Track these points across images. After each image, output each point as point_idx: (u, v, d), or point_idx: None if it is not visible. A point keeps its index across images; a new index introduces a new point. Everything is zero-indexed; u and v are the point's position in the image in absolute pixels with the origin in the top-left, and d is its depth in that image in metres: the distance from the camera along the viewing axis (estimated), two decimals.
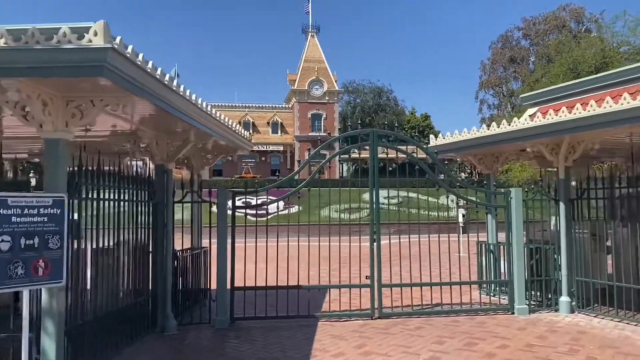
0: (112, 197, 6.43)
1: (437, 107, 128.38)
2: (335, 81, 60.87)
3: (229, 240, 8.19)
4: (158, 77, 5.37)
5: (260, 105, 62.38)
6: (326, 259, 8.57)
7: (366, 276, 8.62)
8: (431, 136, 11.60)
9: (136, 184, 7.08)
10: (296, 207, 30.02)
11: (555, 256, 9.21)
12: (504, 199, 9.32)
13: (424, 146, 9.75)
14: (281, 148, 60.11)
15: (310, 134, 58.10)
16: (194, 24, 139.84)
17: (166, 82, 5.57)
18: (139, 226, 7.28)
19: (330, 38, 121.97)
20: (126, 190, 6.80)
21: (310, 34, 61.88)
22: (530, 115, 9.69)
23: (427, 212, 20.90)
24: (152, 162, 7.77)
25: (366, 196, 35.74)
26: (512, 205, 9.13)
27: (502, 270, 9.74)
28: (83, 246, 5.78)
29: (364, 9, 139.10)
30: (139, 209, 7.26)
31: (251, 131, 59.61)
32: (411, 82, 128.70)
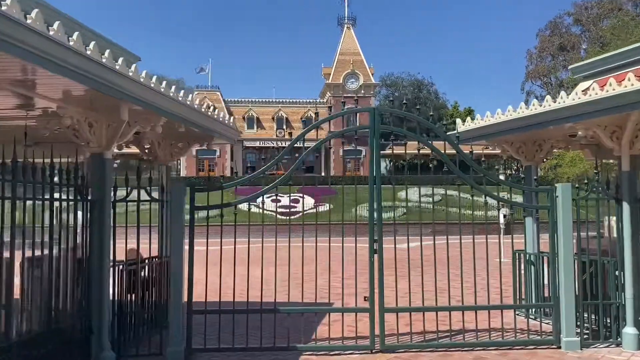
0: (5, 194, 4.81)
1: (480, 100, 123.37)
2: (372, 74, 58.43)
3: (186, 243, 6.48)
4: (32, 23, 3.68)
5: (294, 101, 60.56)
6: (326, 266, 6.77)
7: (365, 297, 6.73)
8: (457, 121, 9.51)
9: (52, 177, 5.44)
10: (328, 205, 28.23)
11: (617, 272, 7.07)
12: (547, 198, 7.22)
13: (443, 130, 7.68)
14: (314, 144, 58.30)
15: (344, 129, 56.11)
16: (230, 19, 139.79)
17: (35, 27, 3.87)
18: (63, 232, 5.66)
19: (368, 30, 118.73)
20: (32, 186, 5.16)
21: (346, 25, 59.71)
22: (583, 90, 7.49)
23: (465, 212, 18.85)
24: (86, 149, 6.13)
25: (402, 194, 33.66)
26: (558, 206, 7.02)
27: (546, 282, 7.64)
28: None
29: None
30: (65, 209, 5.64)
31: (284, 127, 58.14)
32: (453, 75, 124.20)
